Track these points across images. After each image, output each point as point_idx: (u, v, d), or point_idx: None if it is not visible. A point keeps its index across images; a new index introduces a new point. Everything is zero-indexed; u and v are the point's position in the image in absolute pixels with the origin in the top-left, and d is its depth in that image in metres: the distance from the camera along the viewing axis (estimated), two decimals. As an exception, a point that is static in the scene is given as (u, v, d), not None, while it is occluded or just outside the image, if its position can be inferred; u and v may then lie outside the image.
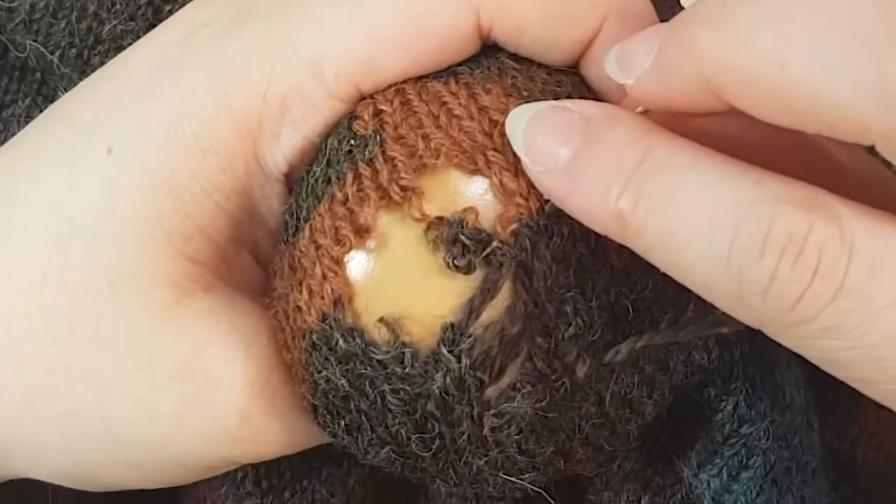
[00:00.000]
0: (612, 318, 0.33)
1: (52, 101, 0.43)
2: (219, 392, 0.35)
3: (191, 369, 0.35)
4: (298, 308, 0.34)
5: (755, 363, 0.39)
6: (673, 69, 0.30)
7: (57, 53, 0.42)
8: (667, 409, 0.37)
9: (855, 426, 0.43)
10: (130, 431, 0.35)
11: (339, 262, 0.33)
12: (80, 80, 0.39)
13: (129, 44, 0.40)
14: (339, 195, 0.33)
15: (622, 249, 0.31)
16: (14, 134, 0.39)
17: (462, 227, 0.32)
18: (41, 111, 0.40)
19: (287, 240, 0.35)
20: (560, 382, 0.33)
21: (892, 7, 0.26)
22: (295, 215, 0.35)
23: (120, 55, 0.38)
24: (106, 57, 0.43)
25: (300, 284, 0.34)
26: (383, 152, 0.33)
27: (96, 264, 0.35)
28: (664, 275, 0.30)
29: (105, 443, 0.36)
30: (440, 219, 0.32)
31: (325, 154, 0.35)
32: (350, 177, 0.33)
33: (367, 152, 0.33)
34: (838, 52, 0.26)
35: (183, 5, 0.40)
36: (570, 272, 0.33)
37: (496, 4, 0.34)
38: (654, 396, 0.35)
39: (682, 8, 0.40)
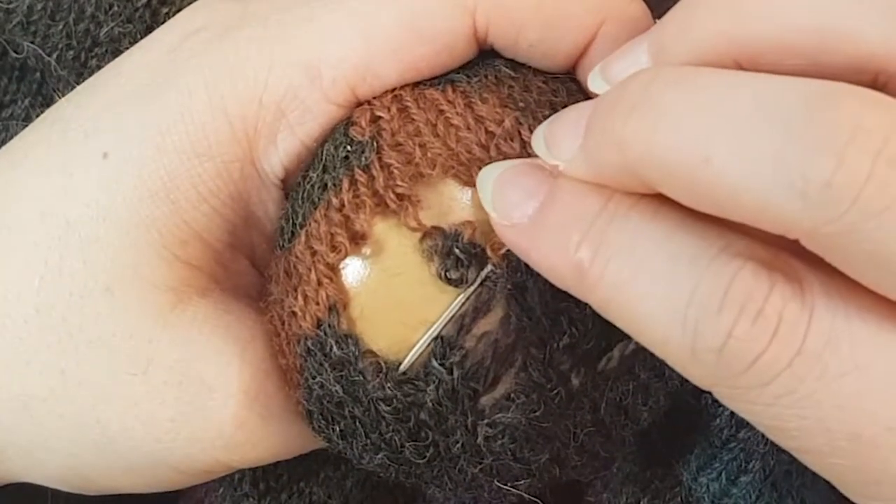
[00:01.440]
0: (605, 327, 0.33)
1: (51, 102, 0.43)
2: (214, 397, 0.35)
3: (186, 374, 0.35)
4: (293, 314, 0.34)
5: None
6: (599, 156, 0.29)
7: (54, 55, 0.42)
8: (665, 413, 0.37)
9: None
10: (126, 436, 0.35)
11: (334, 269, 0.33)
12: (77, 82, 0.39)
13: (127, 47, 0.40)
14: (335, 201, 0.34)
15: None
16: (14, 134, 0.39)
17: (458, 241, 0.32)
18: (41, 111, 0.40)
19: (283, 245, 0.35)
20: (555, 392, 0.33)
21: (818, 103, 0.25)
22: (291, 220, 0.35)
23: (116, 59, 0.38)
24: (103, 60, 0.43)
25: (295, 290, 0.34)
26: (380, 159, 0.33)
27: (92, 268, 0.35)
28: None
29: (101, 447, 0.36)
30: (436, 229, 0.32)
31: (322, 159, 0.35)
32: (346, 183, 0.34)
33: (363, 158, 0.33)
34: (763, 150, 0.25)
35: (181, 8, 0.40)
36: None
37: (493, 9, 0.34)
38: (649, 403, 0.35)
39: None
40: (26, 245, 0.35)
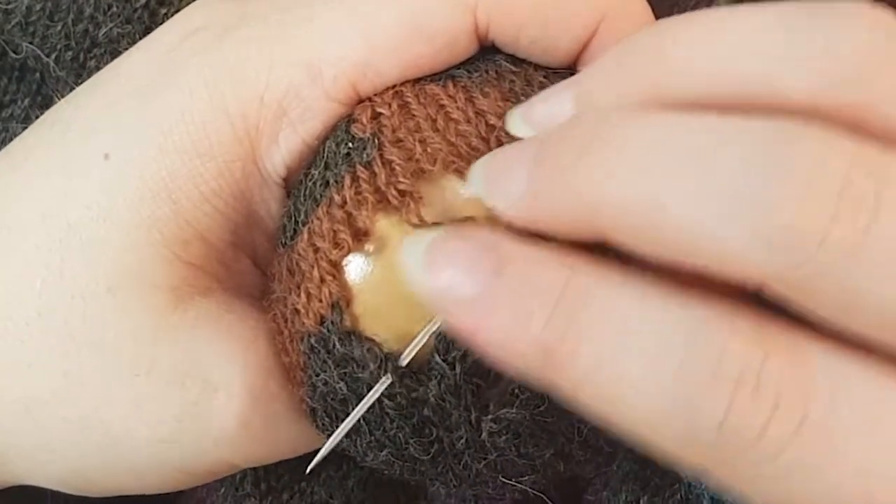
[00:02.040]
0: None
1: (51, 103, 0.43)
2: (218, 397, 0.35)
3: (190, 374, 0.35)
4: (297, 311, 0.34)
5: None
6: (548, 200, 0.27)
7: (53, 56, 0.42)
8: None
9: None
10: (130, 437, 0.35)
11: (336, 266, 0.33)
12: (76, 83, 0.39)
13: (126, 47, 0.40)
14: (336, 198, 0.34)
15: None
16: (13, 135, 0.39)
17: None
18: (40, 112, 0.40)
19: (285, 243, 0.35)
20: None
21: (775, 145, 0.24)
22: (293, 218, 0.35)
23: (115, 60, 0.38)
24: (101, 60, 0.43)
25: (298, 287, 0.34)
26: (381, 155, 0.33)
27: (94, 269, 0.35)
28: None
29: (104, 448, 0.36)
30: (437, 224, 0.32)
31: (323, 157, 0.35)
32: (348, 180, 0.34)
33: (364, 155, 0.34)
34: (720, 195, 0.24)
35: (179, 9, 0.40)
36: None
37: (494, 6, 0.34)
38: None
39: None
40: (27, 247, 0.35)
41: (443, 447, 0.34)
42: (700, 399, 0.24)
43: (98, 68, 0.42)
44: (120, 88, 0.37)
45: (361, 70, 0.35)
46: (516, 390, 0.33)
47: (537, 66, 0.36)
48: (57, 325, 0.35)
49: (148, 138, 0.35)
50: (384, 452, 0.34)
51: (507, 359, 0.27)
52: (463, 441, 0.34)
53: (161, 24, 0.42)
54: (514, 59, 0.36)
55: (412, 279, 0.29)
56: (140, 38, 0.41)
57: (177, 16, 0.38)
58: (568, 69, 0.36)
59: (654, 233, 0.25)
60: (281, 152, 0.36)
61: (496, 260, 0.27)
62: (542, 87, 0.35)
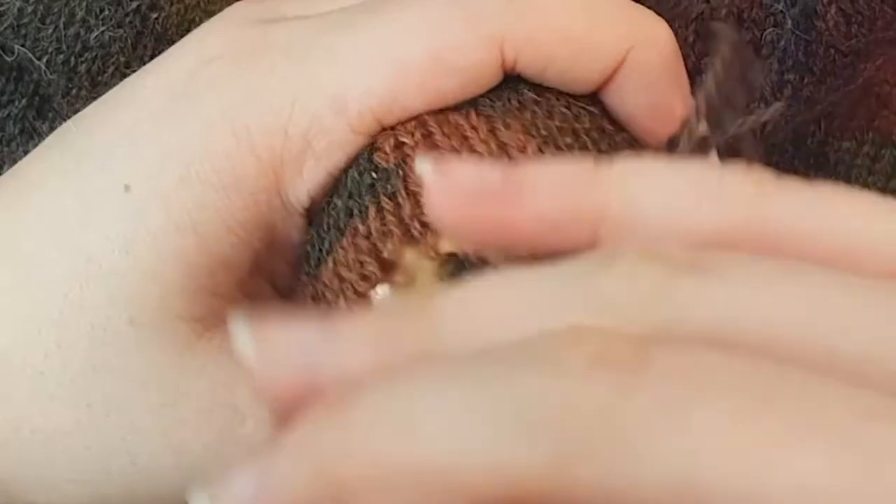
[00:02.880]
0: None
1: (49, 104, 0.43)
2: (246, 423, 0.35)
3: (217, 402, 0.35)
4: None
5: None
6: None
7: (44, 59, 0.42)
8: None
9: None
10: (156, 465, 0.36)
11: (363, 296, 0.33)
12: (68, 86, 0.39)
13: (117, 51, 0.39)
14: (361, 228, 0.34)
15: None
16: (10, 135, 0.39)
17: (468, 262, 0.32)
18: (38, 113, 0.40)
19: (308, 272, 0.35)
20: None
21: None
22: (317, 247, 0.35)
23: (125, 83, 0.38)
24: (93, 64, 0.43)
25: None
26: (406, 187, 0.34)
27: (115, 302, 0.35)
28: None
29: (129, 477, 0.36)
30: (452, 255, 0.33)
31: (346, 186, 0.35)
32: (373, 210, 0.34)
33: (389, 186, 0.34)
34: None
35: (170, 14, 0.40)
36: None
37: (522, 41, 0.35)
38: None
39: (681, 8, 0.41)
40: (45, 279, 0.35)
41: None
42: None
43: (89, 72, 0.43)
44: (136, 116, 0.36)
45: (387, 105, 0.35)
46: None
47: (559, 94, 0.36)
48: (78, 357, 0.35)
49: (170, 170, 0.35)
50: None
51: None
52: None
53: (152, 28, 0.42)
54: (537, 87, 0.36)
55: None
56: (132, 43, 0.41)
57: (190, 39, 0.38)
58: (589, 96, 0.37)
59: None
60: (305, 183, 0.35)
61: None
62: (564, 118, 0.35)
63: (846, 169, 0.47)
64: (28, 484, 0.37)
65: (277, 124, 0.34)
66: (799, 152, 0.46)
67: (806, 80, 0.42)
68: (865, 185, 0.47)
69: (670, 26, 0.39)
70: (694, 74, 0.42)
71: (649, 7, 0.37)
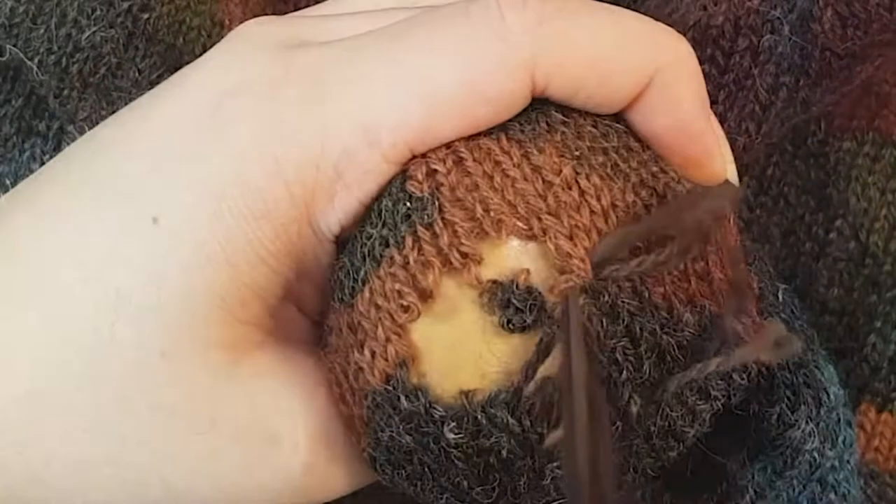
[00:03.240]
0: (658, 357, 0.34)
1: (44, 102, 0.43)
2: (282, 448, 0.36)
3: (252, 429, 0.35)
4: (361, 369, 0.35)
5: (795, 368, 0.40)
6: None
7: (36, 60, 0.42)
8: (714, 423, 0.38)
9: (855, 427, 0.44)
10: (193, 492, 0.36)
11: (402, 326, 0.34)
12: (59, 87, 0.39)
13: (108, 52, 0.39)
14: (398, 258, 0.34)
15: (665, 292, 0.33)
16: (5, 133, 0.38)
17: (514, 290, 0.33)
18: (34, 112, 0.40)
19: (343, 299, 0.36)
20: (615, 426, 0.34)
21: None
22: (351, 276, 0.35)
23: (141, 109, 0.37)
24: (84, 65, 0.43)
25: (361, 346, 0.35)
26: (442, 217, 0.34)
27: (146, 335, 0.34)
28: (704, 310, 0.32)
29: (164, 503, 0.36)
30: (494, 282, 0.33)
31: (381, 215, 0.35)
32: (409, 241, 0.34)
33: (425, 216, 0.34)
34: None
35: (161, 15, 0.39)
36: (620, 323, 0.34)
37: (553, 68, 0.35)
38: (695, 425, 0.37)
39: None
40: (74, 313, 0.35)
41: (506, 492, 0.35)
42: None
43: (81, 73, 0.42)
44: (161, 147, 0.36)
45: (421, 136, 0.35)
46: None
47: (585, 114, 0.37)
48: (110, 391, 0.35)
49: (201, 203, 0.34)
50: (445, 496, 0.36)
51: None
52: (525, 485, 0.35)
53: (144, 29, 0.42)
54: (563, 108, 0.36)
55: None
56: (123, 44, 0.41)
57: (209, 63, 0.37)
58: (616, 115, 0.37)
59: None
60: (336, 213, 0.35)
61: None
62: (593, 139, 0.36)
63: (846, 169, 0.47)
64: None
65: (309, 156, 0.34)
66: (799, 152, 0.45)
67: (802, 83, 0.42)
68: (866, 185, 0.46)
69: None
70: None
71: (648, 14, 0.37)
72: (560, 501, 0.35)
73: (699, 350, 0.35)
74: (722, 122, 0.41)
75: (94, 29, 0.42)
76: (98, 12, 0.42)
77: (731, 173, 0.38)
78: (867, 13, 0.41)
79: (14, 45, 0.42)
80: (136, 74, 0.42)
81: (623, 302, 0.33)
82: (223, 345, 0.35)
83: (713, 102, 0.41)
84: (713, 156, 0.37)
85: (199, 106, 0.36)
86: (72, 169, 0.37)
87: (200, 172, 0.35)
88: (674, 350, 0.34)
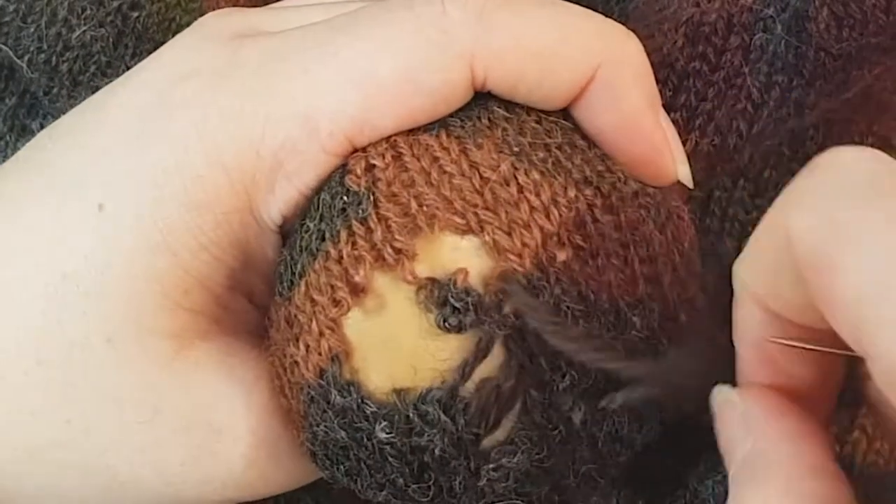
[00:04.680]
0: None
1: (37, 101, 0.43)
2: (223, 440, 0.36)
3: (194, 419, 0.36)
4: (296, 363, 0.35)
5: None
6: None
7: (25, 58, 0.43)
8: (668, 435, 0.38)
9: (856, 429, 0.43)
10: (136, 481, 0.36)
11: (335, 321, 0.34)
12: (49, 86, 0.39)
13: (98, 51, 0.40)
14: (333, 252, 0.34)
15: (609, 296, 0.33)
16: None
17: (452, 289, 0.33)
18: (28, 110, 0.40)
19: (282, 293, 0.36)
20: (556, 431, 0.34)
21: None
22: (289, 269, 0.36)
23: (98, 98, 0.38)
24: (74, 64, 0.44)
25: (297, 339, 0.35)
26: (377, 212, 0.34)
27: (92, 321, 0.35)
28: (653, 312, 0.32)
29: (109, 492, 0.37)
30: (431, 280, 0.33)
31: (318, 209, 0.35)
32: (344, 235, 0.34)
33: (360, 210, 0.34)
34: None
35: (150, 13, 0.40)
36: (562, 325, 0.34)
37: (491, 59, 0.35)
38: (643, 430, 0.37)
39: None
40: (22, 298, 0.36)
41: (441, 491, 0.35)
42: None
43: (70, 71, 0.43)
44: (109, 136, 0.37)
45: (358, 125, 0.35)
46: (516, 439, 0.34)
47: (530, 110, 0.37)
48: (57, 375, 0.35)
49: (144, 190, 0.35)
50: (384, 493, 0.36)
51: None
52: (461, 485, 0.35)
53: (133, 28, 0.42)
54: (507, 104, 0.36)
55: None
56: (113, 43, 0.41)
57: (163, 54, 0.38)
58: (560, 112, 0.37)
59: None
60: (277, 202, 0.36)
61: None
62: (535, 134, 0.36)
63: (845, 172, 0.46)
64: (10, 498, 0.38)
65: (249, 144, 0.35)
66: (797, 155, 0.45)
67: (795, 83, 0.41)
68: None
69: (660, 29, 0.39)
70: (682, 78, 0.41)
71: (639, 11, 0.38)
72: (496, 499, 0.35)
73: (649, 352, 0.34)
74: (711, 119, 0.41)
75: (84, 28, 0.43)
76: (88, 11, 0.43)
77: (684, 174, 0.38)
78: (863, 14, 0.40)
79: (4, 44, 0.43)
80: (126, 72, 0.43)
81: (567, 305, 0.33)
82: (166, 333, 0.35)
83: (702, 99, 0.42)
84: (662, 155, 0.37)
85: (149, 94, 0.37)
86: (30, 157, 0.38)
87: (144, 160, 0.35)
88: (621, 354, 0.34)
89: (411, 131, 0.36)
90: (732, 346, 0.33)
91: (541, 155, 0.35)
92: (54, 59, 0.43)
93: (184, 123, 0.35)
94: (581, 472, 0.36)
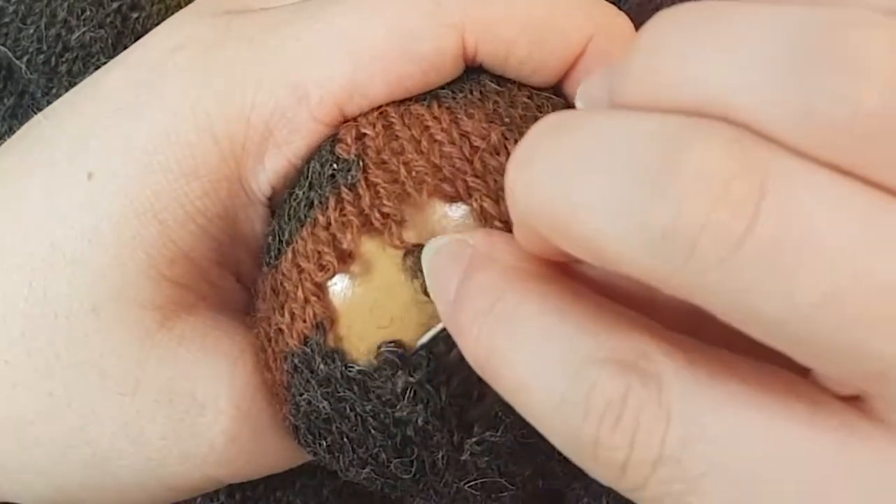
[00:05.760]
0: None
1: (36, 101, 0.43)
2: (205, 414, 0.36)
3: (176, 392, 0.36)
4: (280, 331, 0.35)
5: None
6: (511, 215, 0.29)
7: (24, 59, 0.43)
8: None
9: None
10: (117, 456, 0.36)
11: (321, 287, 0.34)
12: (48, 87, 0.39)
13: (97, 52, 0.40)
14: (321, 219, 0.35)
15: None
16: (-3, 131, 0.39)
17: None
18: (25, 110, 0.40)
19: (269, 262, 0.36)
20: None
21: (669, 145, 0.24)
22: (277, 238, 0.36)
23: (94, 75, 0.39)
24: (73, 65, 0.44)
25: (282, 307, 0.35)
26: (366, 178, 0.34)
27: (78, 289, 0.35)
28: None
29: (91, 467, 0.37)
30: (418, 246, 0.33)
31: (308, 177, 0.36)
32: (333, 201, 0.34)
33: (349, 177, 0.34)
34: (616, 197, 0.25)
35: (150, 14, 0.40)
36: None
37: (483, 29, 0.35)
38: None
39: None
40: (9, 268, 0.36)
41: (424, 466, 0.35)
42: (578, 432, 0.27)
43: (70, 72, 0.44)
44: (102, 106, 0.37)
45: (348, 92, 0.35)
46: (500, 413, 0.34)
47: (521, 86, 0.37)
48: (41, 345, 0.36)
49: (132, 158, 0.36)
50: (366, 469, 0.36)
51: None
52: (444, 460, 0.35)
53: (133, 29, 0.42)
54: (499, 79, 0.37)
55: (426, 280, 0.32)
56: (112, 43, 0.41)
57: (157, 31, 0.38)
58: (552, 88, 0.37)
59: (570, 236, 0.26)
60: (266, 172, 0.36)
61: (466, 269, 0.30)
62: (526, 107, 0.36)
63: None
64: None
65: (239, 112, 0.35)
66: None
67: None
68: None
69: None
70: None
71: (632, 10, 0.38)
72: (481, 481, 0.35)
73: None
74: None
75: (83, 29, 0.43)
76: (88, 12, 0.43)
77: None
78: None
79: (3, 45, 0.44)
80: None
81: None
82: (150, 304, 0.36)
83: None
84: None
85: (141, 67, 0.37)
86: (25, 134, 0.39)
87: (134, 128, 0.36)
88: None
89: (402, 102, 0.36)
90: None
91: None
92: (53, 59, 0.44)
93: (175, 91, 0.36)
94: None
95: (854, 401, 0.26)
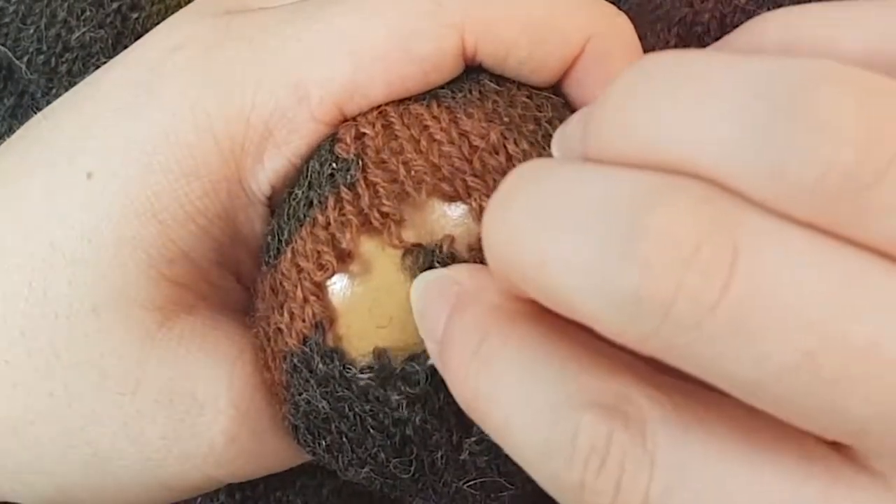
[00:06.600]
0: None
1: (36, 101, 0.43)
2: (204, 414, 0.36)
3: (176, 392, 0.36)
4: (279, 330, 0.35)
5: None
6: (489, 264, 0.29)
7: (24, 59, 0.43)
8: None
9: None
10: (117, 455, 0.37)
11: (320, 286, 0.34)
12: (48, 87, 0.39)
13: (97, 52, 0.40)
14: (320, 219, 0.35)
15: None
16: (-3, 131, 0.40)
17: (437, 254, 0.33)
18: (25, 111, 0.40)
19: (269, 261, 0.37)
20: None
21: (639, 205, 0.24)
22: (276, 237, 0.36)
23: (93, 75, 0.39)
24: (73, 65, 0.45)
25: (281, 307, 0.35)
26: (365, 177, 0.35)
27: (78, 289, 0.36)
28: None
29: (91, 468, 0.37)
30: (417, 245, 0.34)
31: (307, 176, 0.36)
32: (332, 201, 0.35)
33: (348, 176, 0.35)
34: (586, 256, 0.25)
35: (150, 14, 0.40)
36: None
37: (482, 29, 0.36)
38: None
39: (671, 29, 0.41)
40: (9, 268, 0.36)
41: (423, 466, 0.35)
42: (561, 475, 0.27)
43: (70, 73, 0.44)
44: (101, 106, 0.37)
45: (348, 92, 0.35)
46: None
47: (521, 85, 0.37)
48: (41, 346, 0.36)
49: (132, 158, 0.36)
50: (365, 469, 0.36)
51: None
52: (443, 460, 0.35)
53: (133, 29, 0.42)
54: (498, 79, 0.37)
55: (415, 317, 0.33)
56: (112, 43, 0.42)
57: (156, 30, 0.39)
58: (551, 88, 0.37)
59: (542, 291, 0.27)
60: (266, 172, 0.37)
61: (453, 307, 0.31)
62: (526, 107, 0.36)
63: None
64: None
65: (239, 112, 0.35)
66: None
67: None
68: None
69: (652, 30, 0.38)
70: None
71: (631, 11, 0.38)
72: (480, 480, 0.35)
73: None
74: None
75: (83, 29, 0.43)
76: (88, 13, 0.43)
77: None
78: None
79: (3, 45, 0.44)
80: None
81: None
82: (150, 303, 0.36)
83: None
84: None
85: (140, 66, 0.37)
86: (25, 135, 0.39)
87: (134, 127, 0.36)
88: None
89: (401, 101, 0.36)
90: None
91: (531, 127, 0.35)
92: (53, 60, 0.44)
93: (174, 91, 0.36)
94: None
95: (839, 445, 0.26)
